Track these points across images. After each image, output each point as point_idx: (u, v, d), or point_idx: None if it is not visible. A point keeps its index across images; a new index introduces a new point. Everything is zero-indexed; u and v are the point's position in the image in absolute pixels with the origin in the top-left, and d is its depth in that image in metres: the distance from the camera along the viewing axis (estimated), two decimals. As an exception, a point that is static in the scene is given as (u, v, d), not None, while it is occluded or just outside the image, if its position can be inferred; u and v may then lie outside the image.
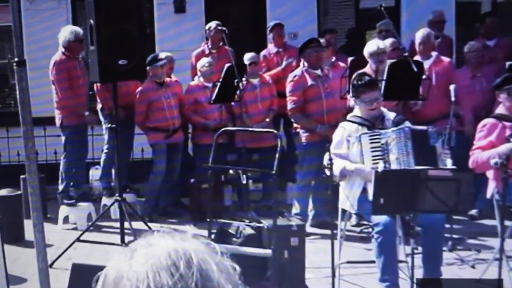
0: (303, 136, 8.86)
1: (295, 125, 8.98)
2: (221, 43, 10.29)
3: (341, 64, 9.65)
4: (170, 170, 9.71)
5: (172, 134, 9.61)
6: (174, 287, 1.29)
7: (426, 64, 8.78)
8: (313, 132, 8.70)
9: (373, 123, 6.73)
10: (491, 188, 6.87)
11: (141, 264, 1.33)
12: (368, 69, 8.47)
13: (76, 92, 9.57)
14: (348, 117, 6.96)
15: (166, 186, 9.76)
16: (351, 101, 8.37)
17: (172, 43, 11.18)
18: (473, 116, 9.04)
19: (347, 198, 6.69)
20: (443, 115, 8.67)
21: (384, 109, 6.95)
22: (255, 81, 9.70)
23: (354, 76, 7.38)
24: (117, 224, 7.95)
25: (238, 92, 9.12)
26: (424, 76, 8.41)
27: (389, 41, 9.18)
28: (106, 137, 10.05)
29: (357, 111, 6.89)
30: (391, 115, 6.92)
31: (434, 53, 9.19)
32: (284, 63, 10.09)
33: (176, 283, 1.29)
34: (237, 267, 1.43)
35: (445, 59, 9.39)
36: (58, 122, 9.68)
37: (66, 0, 11.89)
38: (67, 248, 7.66)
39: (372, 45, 8.72)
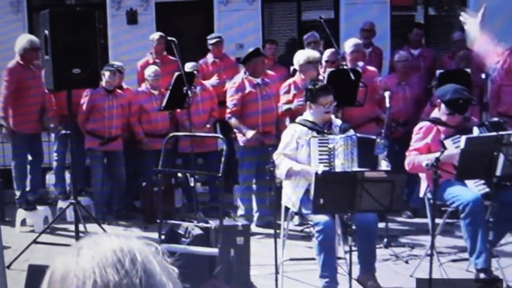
0: (241, 140, 8.92)
1: (234, 130, 9.04)
2: (165, 53, 10.31)
3: (281, 72, 9.71)
4: (114, 176, 9.68)
5: (108, 142, 9.53)
6: (120, 283, 1.28)
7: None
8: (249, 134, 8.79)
9: (322, 128, 6.80)
10: (423, 188, 6.95)
11: (88, 261, 1.31)
12: (297, 77, 8.57)
13: (26, 101, 9.44)
14: (299, 120, 6.98)
15: (116, 191, 9.73)
16: (284, 107, 8.48)
17: (125, 53, 11.14)
18: (395, 120, 9.18)
19: (290, 198, 6.75)
20: (369, 119, 8.88)
21: (332, 116, 7.02)
22: (197, 88, 9.68)
23: (307, 82, 7.47)
24: (73, 227, 7.88)
25: (186, 99, 9.12)
26: (361, 84, 8.51)
27: (327, 53, 9.24)
28: (55, 144, 10.00)
29: (307, 115, 6.92)
30: (338, 122, 6.99)
31: (361, 63, 9.23)
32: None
33: (121, 279, 1.28)
34: (176, 269, 1.44)
35: (371, 68, 9.44)
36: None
37: (23, 12, 11.80)
38: (24, 250, 7.59)
39: (302, 55, 8.80)
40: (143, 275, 1.30)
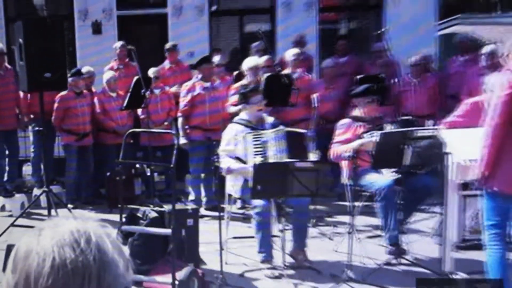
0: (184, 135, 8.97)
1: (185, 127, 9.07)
2: (127, 59, 10.29)
3: (227, 77, 9.78)
4: (84, 167, 9.68)
5: (83, 138, 9.55)
6: (76, 260, 1.27)
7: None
8: (193, 131, 8.88)
9: (255, 126, 6.90)
10: (345, 176, 7.02)
11: (48, 241, 1.30)
12: (245, 81, 8.65)
13: None
14: (236, 120, 7.06)
15: (84, 180, 9.73)
16: (231, 108, 8.56)
17: (91, 60, 11.08)
18: (325, 119, 9.33)
19: (232, 186, 6.85)
20: (303, 118, 8.99)
21: (264, 114, 7.12)
22: (157, 91, 9.72)
23: (236, 86, 7.55)
24: (46, 212, 7.86)
25: (144, 100, 9.14)
26: (293, 87, 8.62)
27: (263, 58, 9.32)
28: (31, 139, 9.95)
29: (243, 115, 7.00)
30: (269, 120, 7.08)
31: (299, 70, 9.33)
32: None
33: (77, 257, 1.27)
34: (127, 249, 1.49)
35: (307, 75, 9.54)
36: None
37: (0, 22, 11.67)
38: (3, 232, 7.54)
39: (251, 61, 8.89)
40: (97, 253, 1.30)
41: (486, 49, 8.50)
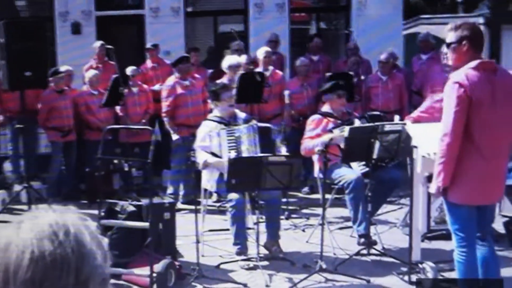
0: (173, 137, 8.87)
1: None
2: (106, 58, 10.14)
3: (202, 71, 9.65)
4: (67, 163, 9.51)
5: (67, 134, 9.39)
6: (54, 252, 1.25)
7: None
8: (181, 130, 8.72)
9: (228, 121, 6.82)
10: (316, 170, 7.00)
11: (27, 233, 1.28)
12: (225, 79, 8.56)
13: None
14: (209, 117, 7.01)
15: (65, 175, 9.56)
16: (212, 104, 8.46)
17: (71, 59, 10.90)
18: (300, 114, 9.24)
19: (208, 180, 6.76)
20: (277, 114, 8.92)
21: (236, 110, 7.05)
22: (135, 89, 9.58)
23: (208, 86, 7.48)
24: (27, 207, 7.70)
25: (122, 98, 9.01)
26: (266, 84, 8.54)
27: (243, 57, 9.24)
28: (9, 136, 9.79)
29: (216, 113, 6.93)
30: (241, 115, 7.02)
31: (271, 67, 9.27)
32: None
33: (56, 249, 1.26)
34: (105, 239, 1.42)
35: (279, 72, 9.50)
36: None
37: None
38: (-16, 227, 7.38)
39: (232, 59, 8.80)
40: (75, 245, 1.28)
41: (445, 48, 8.48)
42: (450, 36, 4.54)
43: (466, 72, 4.40)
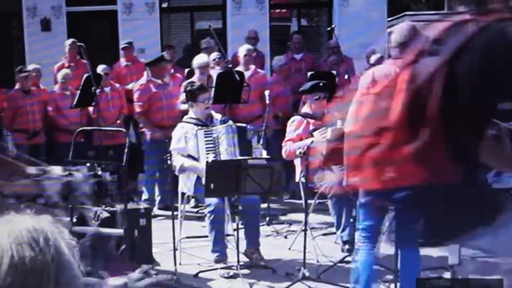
0: (148, 134, 8.81)
1: (141, 125, 8.94)
2: (78, 57, 10.06)
3: (178, 75, 9.59)
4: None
5: (33, 136, 9.30)
6: (35, 258, 1.26)
7: (246, 75, 8.77)
8: (155, 131, 8.67)
9: (205, 123, 6.79)
10: (298, 173, 6.99)
11: (4, 237, 1.28)
12: (195, 78, 8.51)
13: None
14: (185, 119, 6.96)
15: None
16: (182, 106, 8.39)
17: (40, 57, 10.80)
18: (283, 114, 9.21)
19: (185, 184, 6.72)
20: (257, 115, 8.88)
21: (212, 111, 7.02)
22: (107, 89, 9.49)
23: (184, 84, 7.43)
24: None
25: (95, 98, 8.93)
26: (245, 84, 8.51)
27: (212, 56, 9.19)
28: None
29: (191, 114, 6.90)
30: (218, 116, 7.00)
31: (252, 66, 9.23)
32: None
33: (36, 255, 1.26)
34: (77, 247, 1.41)
35: (260, 71, 9.46)
36: None
37: None
38: None
39: (200, 58, 8.77)
40: (55, 253, 1.29)
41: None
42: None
43: None
